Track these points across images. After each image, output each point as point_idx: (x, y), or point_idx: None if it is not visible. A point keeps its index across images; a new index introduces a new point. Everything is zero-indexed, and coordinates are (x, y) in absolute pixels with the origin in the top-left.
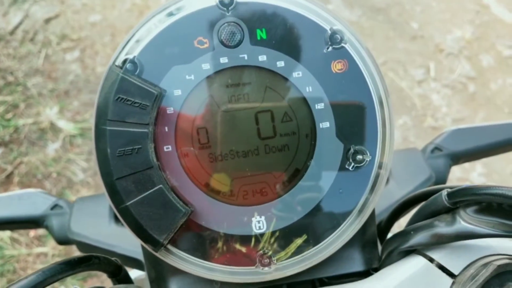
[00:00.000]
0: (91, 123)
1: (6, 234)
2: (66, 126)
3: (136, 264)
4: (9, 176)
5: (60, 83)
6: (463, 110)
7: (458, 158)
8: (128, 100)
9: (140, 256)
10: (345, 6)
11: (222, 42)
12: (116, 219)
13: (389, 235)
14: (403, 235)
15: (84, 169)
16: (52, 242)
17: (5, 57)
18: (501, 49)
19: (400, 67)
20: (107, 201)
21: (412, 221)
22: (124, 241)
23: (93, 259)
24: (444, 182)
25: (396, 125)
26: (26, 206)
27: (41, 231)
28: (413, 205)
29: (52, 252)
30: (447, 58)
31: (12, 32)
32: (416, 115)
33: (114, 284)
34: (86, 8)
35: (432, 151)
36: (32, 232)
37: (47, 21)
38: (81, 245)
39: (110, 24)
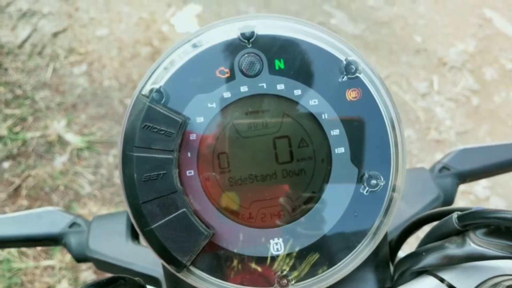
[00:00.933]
0: (118, 147)
1: None
2: (74, 139)
3: (153, 282)
4: (17, 189)
5: (68, 97)
6: (466, 123)
7: (465, 177)
8: (154, 128)
9: (157, 274)
10: (349, 20)
11: (242, 72)
12: (133, 238)
13: (399, 253)
14: (415, 256)
15: (91, 182)
16: (59, 255)
17: (14, 71)
18: (504, 62)
19: (403, 81)
20: (124, 219)
21: (423, 243)
22: (141, 259)
23: (120, 280)
24: (452, 201)
25: None
26: (44, 224)
27: None
28: (423, 225)
29: (59, 265)
30: (451, 71)
31: (20, 46)
32: (420, 128)
33: None
34: (93, 22)
35: (440, 170)
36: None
37: (55, 35)
38: (99, 263)
39: (117, 38)
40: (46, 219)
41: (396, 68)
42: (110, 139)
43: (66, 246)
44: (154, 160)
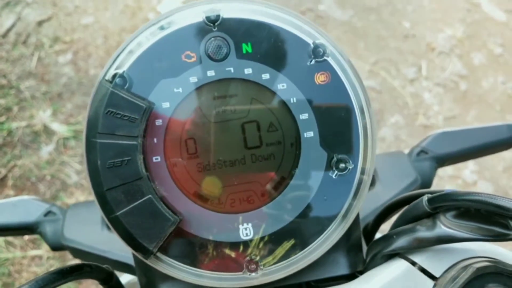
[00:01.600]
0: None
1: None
2: (60, 128)
3: (128, 269)
4: (3, 179)
5: (53, 86)
6: (454, 108)
7: (444, 160)
8: (117, 114)
9: (131, 261)
10: (337, 6)
11: (209, 56)
12: (108, 226)
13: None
14: (386, 239)
15: (78, 171)
16: (46, 245)
17: None
18: (492, 47)
19: (392, 66)
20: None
21: (394, 226)
22: (116, 247)
23: (85, 267)
24: (429, 184)
25: (388, 123)
26: (19, 213)
27: None
28: (398, 209)
29: (47, 255)
30: (439, 56)
31: (4, 35)
32: (408, 113)
33: None
34: (78, 10)
35: (418, 154)
36: (27, 235)
37: (40, 23)
38: (74, 251)
39: (102, 26)
40: (21, 208)
41: (385, 54)
42: None
43: (41, 234)
44: (118, 146)
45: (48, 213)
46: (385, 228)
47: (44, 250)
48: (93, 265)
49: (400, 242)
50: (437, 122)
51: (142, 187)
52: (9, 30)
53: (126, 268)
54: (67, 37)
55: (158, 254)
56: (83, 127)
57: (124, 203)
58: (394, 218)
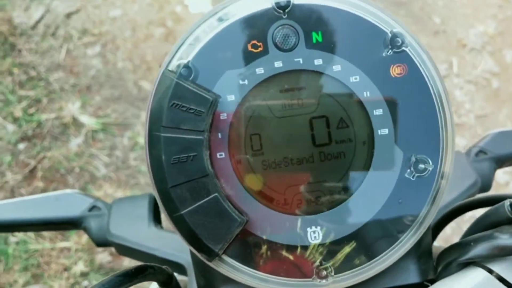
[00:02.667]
0: (144, 128)
1: None
2: (88, 121)
3: (178, 268)
4: (33, 171)
5: (82, 78)
6: (486, 106)
7: (503, 161)
8: (183, 106)
9: (182, 260)
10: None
11: (276, 46)
12: (156, 222)
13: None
14: (462, 246)
15: (106, 164)
16: (75, 237)
17: (27, 52)
18: None
19: None
20: (146, 203)
21: (470, 232)
22: (165, 244)
23: (148, 269)
24: (489, 186)
25: None
26: (63, 208)
27: None
28: (465, 212)
29: (75, 247)
30: (470, 53)
31: (33, 27)
32: None
33: None
34: (106, 3)
35: (477, 154)
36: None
37: (68, 16)
38: (120, 248)
39: (130, 18)
40: (65, 202)
41: None
42: (124, 121)
43: (86, 230)
44: (184, 141)
45: (92, 207)
46: None
47: (72, 242)
48: (156, 266)
49: (479, 250)
50: (469, 121)
51: (208, 185)
52: (38, 22)
53: (174, 267)
54: (96, 29)
55: (222, 256)
56: (144, 119)
57: (189, 201)
58: None
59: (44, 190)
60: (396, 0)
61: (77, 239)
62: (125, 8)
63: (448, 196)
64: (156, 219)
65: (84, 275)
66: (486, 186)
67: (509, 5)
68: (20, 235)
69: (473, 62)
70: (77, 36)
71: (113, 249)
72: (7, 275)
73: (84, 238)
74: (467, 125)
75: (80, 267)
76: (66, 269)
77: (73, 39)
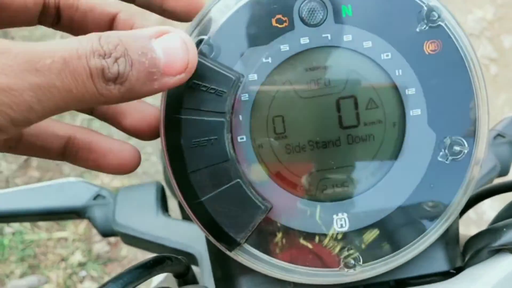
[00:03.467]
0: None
1: None
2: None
3: (188, 258)
4: (27, 160)
5: None
6: None
7: None
8: (204, 86)
9: (192, 250)
10: None
11: (303, 20)
12: (164, 211)
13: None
14: (493, 232)
15: None
16: (72, 227)
17: (21, 39)
18: None
19: None
20: (153, 191)
21: (501, 217)
22: (174, 234)
23: (166, 260)
24: (508, 170)
25: None
26: (67, 196)
27: None
28: (488, 197)
29: (72, 237)
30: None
31: None
32: None
33: (180, 285)
34: None
35: (495, 137)
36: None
37: None
38: (127, 237)
39: None
40: (69, 190)
41: None
42: None
43: (91, 219)
44: (204, 123)
45: (97, 196)
46: None
47: (69, 232)
48: (173, 257)
49: (510, 236)
50: None
51: (229, 170)
52: None
53: (185, 256)
54: None
55: (244, 245)
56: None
57: (210, 188)
58: None
59: (39, 180)
60: None
61: (74, 229)
62: None
63: None
64: (164, 208)
65: (81, 265)
66: (505, 170)
67: None
68: (15, 225)
69: None
70: None
71: (111, 239)
72: (4, 266)
73: (81, 228)
74: None
75: (77, 257)
76: (63, 259)
77: None
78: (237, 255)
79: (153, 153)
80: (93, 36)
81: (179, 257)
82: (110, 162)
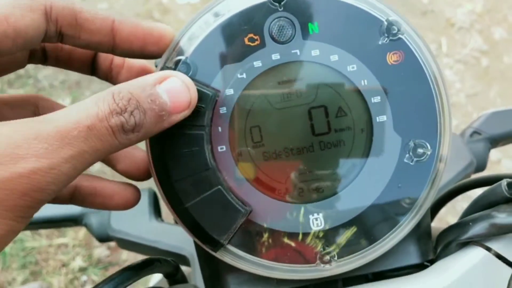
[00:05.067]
0: None
1: None
2: None
3: (180, 260)
4: None
5: (71, 74)
6: (476, 85)
7: (497, 141)
8: None
9: (184, 252)
10: None
11: (273, 38)
12: (156, 215)
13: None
14: (461, 226)
15: None
16: (72, 233)
17: None
18: None
19: None
20: (145, 197)
21: (468, 212)
22: (166, 237)
23: (155, 262)
24: (484, 166)
25: None
26: (64, 205)
27: None
28: (462, 193)
29: (72, 243)
30: (459, 32)
31: None
32: None
33: (171, 284)
34: None
35: (471, 135)
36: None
37: None
38: (122, 242)
39: (117, 11)
40: None
41: None
42: None
43: (87, 226)
44: (186, 136)
45: None
46: None
47: (69, 238)
48: (162, 259)
49: (477, 229)
50: (459, 100)
51: (210, 178)
52: None
53: (177, 259)
54: None
55: (227, 246)
56: None
57: (193, 195)
58: None
59: None
60: None
61: (74, 235)
62: (110, 1)
63: (444, 177)
64: (157, 213)
65: (82, 270)
66: (481, 166)
67: None
68: None
69: (462, 41)
70: None
71: (111, 244)
72: (6, 273)
73: (81, 233)
74: (458, 105)
75: (78, 262)
76: (64, 265)
77: None
78: (222, 255)
79: None
80: (107, 96)
81: (168, 259)
82: (116, 202)
